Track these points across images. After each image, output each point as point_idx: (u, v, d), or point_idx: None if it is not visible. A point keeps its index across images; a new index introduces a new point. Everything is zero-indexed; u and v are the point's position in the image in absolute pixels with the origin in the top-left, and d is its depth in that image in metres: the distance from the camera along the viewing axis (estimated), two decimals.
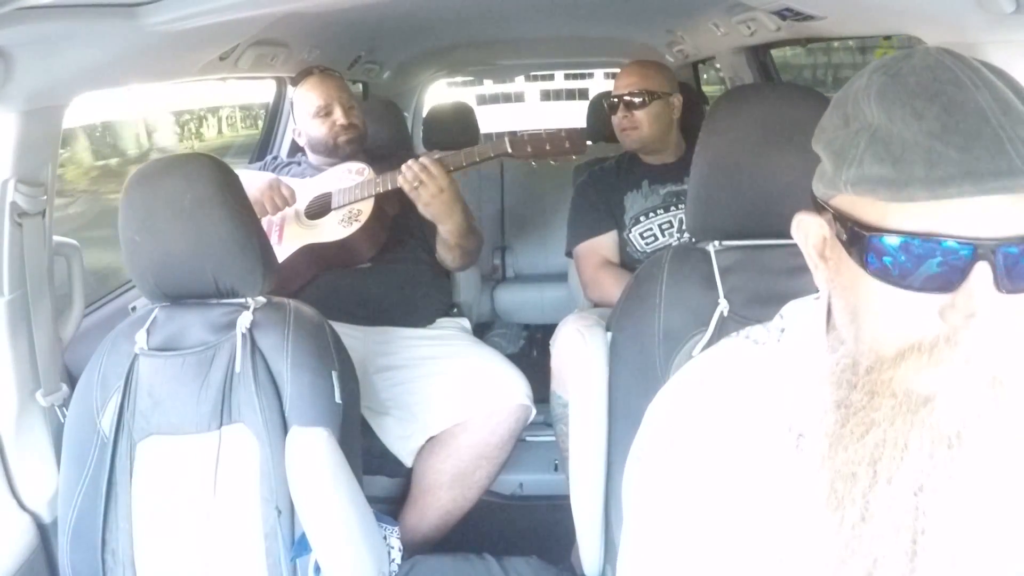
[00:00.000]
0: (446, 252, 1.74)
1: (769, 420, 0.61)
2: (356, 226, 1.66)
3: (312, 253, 1.70)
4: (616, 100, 1.83)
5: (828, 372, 0.56)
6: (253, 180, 1.67)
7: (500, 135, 1.63)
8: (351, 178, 1.75)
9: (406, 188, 1.56)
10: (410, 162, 1.56)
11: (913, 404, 0.49)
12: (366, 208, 1.67)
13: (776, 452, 0.60)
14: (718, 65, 2.49)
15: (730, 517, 0.61)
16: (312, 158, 1.90)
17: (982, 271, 0.46)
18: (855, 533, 0.53)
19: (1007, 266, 0.45)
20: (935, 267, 0.46)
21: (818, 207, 0.56)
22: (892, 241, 0.47)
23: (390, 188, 1.62)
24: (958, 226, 0.46)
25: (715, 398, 0.64)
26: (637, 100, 1.79)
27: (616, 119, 1.84)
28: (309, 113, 1.83)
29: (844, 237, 0.51)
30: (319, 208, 1.74)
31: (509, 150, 1.58)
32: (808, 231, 0.58)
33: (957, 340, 0.47)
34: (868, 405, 0.51)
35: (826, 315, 0.61)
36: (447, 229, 1.65)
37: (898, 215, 0.47)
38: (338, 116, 1.81)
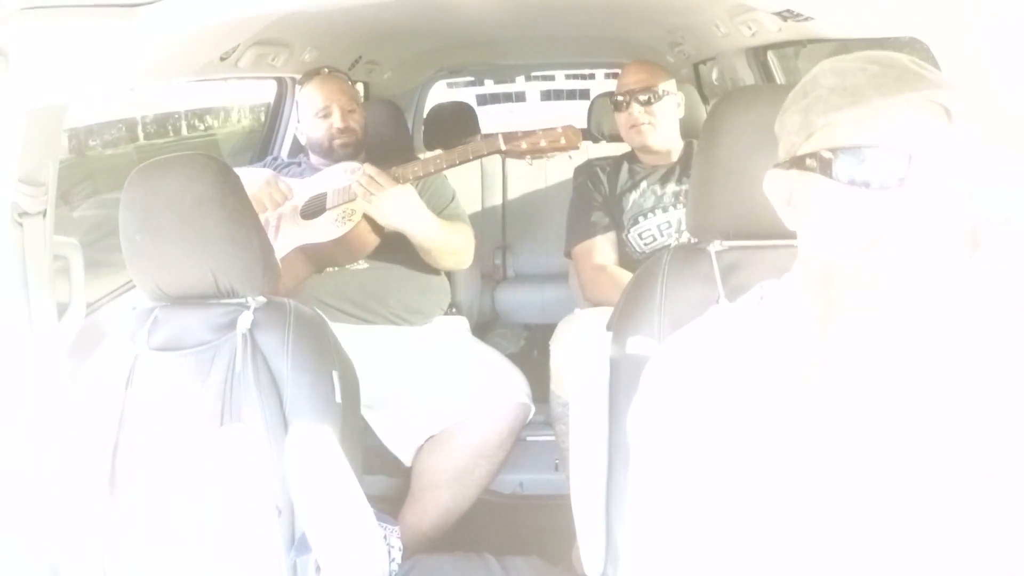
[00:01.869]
0: (424, 255, 1.75)
1: (752, 361, 0.74)
2: (349, 225, 1.66)
3: (307, 252, 1.70)
4: (624, 98, 1.82)
5: (803, 283, 0.72)
6: (251, 178, 1.67)
7: (496, 134, 1.63)
8: (346, 178, 1.75)
9: (360, 200, 1.61)
10: (361, 176, 1.60)
11: (877, 283, 0.64)
12: (360, 207, 1.67)
13: (761, 387, 0.72)
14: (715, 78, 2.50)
15: (726, 436, 0.72)
16: (312, 159, 1.90)
17: (916, 172, 0.61)
18: (846, 405, 0.67)
19: (933, 166, 0.62)
20: (884, 167, 0.63)
21: (785, 164, 0.73)
22: (854, 151, 0.64)
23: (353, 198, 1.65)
24: (900, 138, 0.63)
25: (709, 340, 0.78)
26: (647, 97, 1.79)
27: (624, 116, 1.84)
28: (310, 113, 1.85)
29: (816, 165, 0.67)
30: (314, 208, 1.74)
31: (503, 147, 1.58)
32: (777, 186, 0.75)
33: (901, 228, 0.62)
34: (845, 292, 0.67)
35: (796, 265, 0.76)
36: (411, 235, 1.68)
37: (857, 132, 0.64)
38: (335, 119, 1.82)
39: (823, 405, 0.68)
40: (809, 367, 0.69)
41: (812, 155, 0.68)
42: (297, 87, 2.08)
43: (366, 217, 1.67)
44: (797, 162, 0.71)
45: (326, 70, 1.90)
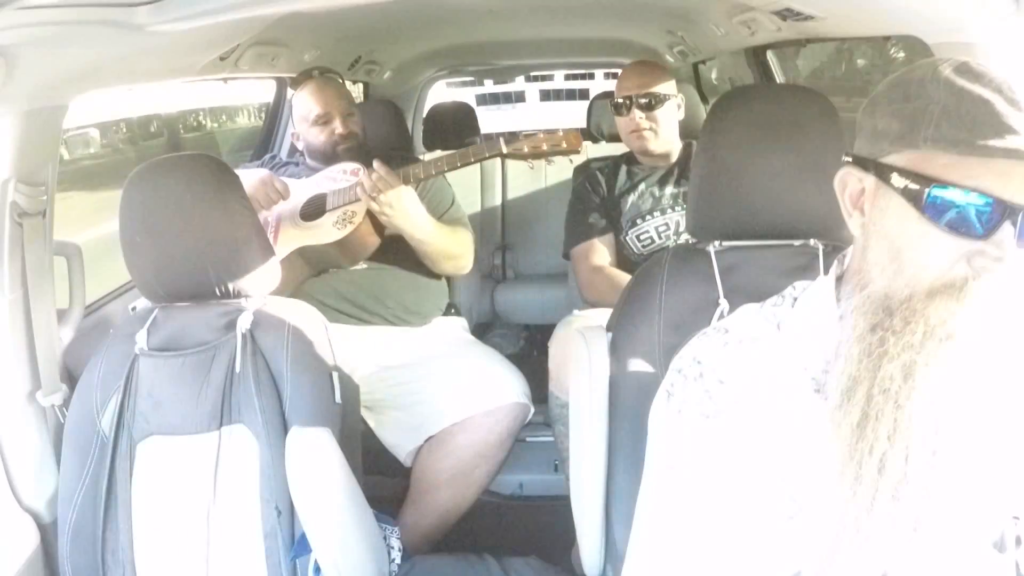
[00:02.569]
0: (423, 259, 1.74)
1: (788, 366, 0.71)
2: (350, 227, 1.66)
3: (307, 254, 1.70)
4: (626, 102, 1.81)
5: (857, 304, 0.67)
6: (247, 177, 1.67)
7: (497, 136, 1.63)
8: (345, 179, 1.74)
9: (364, 199, 1.59)
10: (370, 171, 1.58)
11: (940, 336, 0.60)
12: (360, 209, 1.67)
13: (794, 393, 0.70)
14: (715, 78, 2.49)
15: (752, 445, 0.70)
16: (310, 162, 1.89)
17: (1009, 227, 0.59)
18: (883, 449, 0.62)
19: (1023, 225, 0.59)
20: (975, 216, 0.59)
21: (864, 164, 0.68)
22: (953, 192, 0.60)
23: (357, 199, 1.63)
24: (1000, 188, 0.59)
25: (741, 343, 0.75)
26: (650, 101, 1.78)
27: (625, 121, 1.82)
28: (308, 120, 1.82)
29: (903, 187, 0.63)
30: (314, 210, 1.74)
31: (505, 150, 1.58)
32: (847, 183, 0.70)
33: (979, 281, 0.60)
34: (904, 330, 0.62)
35: (835, 272, 0.73)
36: (410, 236, 1.66)
37: (954, 171, 0.60)
38: (337, 125, 1.80)
39: (862, 444, 0.64)
40: (848, 394, 0.65)
41: (903, 173, 0.63)
42: (289, 91, 2.07)
43: (367, 219, 1.66)
44: (881, 171, 0.65)
45: (317, 72, 1.88)
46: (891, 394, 0.62)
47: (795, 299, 0.77)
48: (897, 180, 0.63)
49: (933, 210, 0.61)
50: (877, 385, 0.62)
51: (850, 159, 0.70)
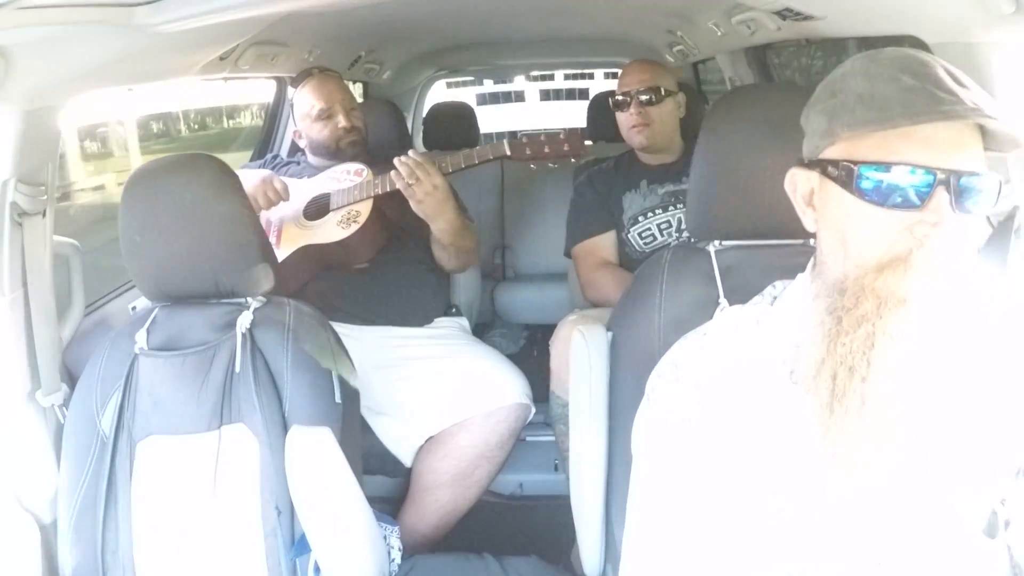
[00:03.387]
0: (441, 252, 1.73)
1: (766, 362, 0.73)
2: (355, 227, 1.65)
3: (311, 254, 1.70)
4: (626, 97, 1.81)
5: (816, 291, 0.70)
6: (247, 177, 1.67)
7: (499, 138, 1.63)
8: (349, 179, 1.74)
9: (400, 184, 1.55)
10: (405, 158, 1.55)
11: (893, 303, 0.62)
12: (364, 209, 1.66)
13: (772, 386, 0.71)
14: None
15: (733, 444, 0.71)
16: (312, 159, 1.89)
17: (942, 193, 0.61)
18: (853, 425, 0.64)
19: (959, 189, 0.61)
20: (908, 188, 0.62)
21: (807, 164, 0.71)
22: (876, 169, 0.63)
23: (388, 189, 1.62)
24: (925, 157, 0.61)
25: (718, 344, 0.77)
26: (649, 97, 1.79)
27: (625, 116, 1.83)
28: (310, 116, 1.82)
29: (837, 174, 0.66)
30: (317, 209, 1.74)
31: (508, 152, 1.58)
32: (797, 184, 0.73)
33: (924, 249, 0.61)
34: (855, 306, 0.64)
35: (810, 268, 0.75)
36: (439, 228, 1.64)
37: (881, 149, 0.63)
38: (340, 119, 1.80)
39: (834, 419, 0.66)
40: (820, 377, 0.67)
41: (835, 163, 0.67)
42: (290, 90, 2.07)
43: (370, 218, 1.66)
44: (820, 165, 0.69)
45: (317, 70, 1.88)
46: (856, 371, 0.63)
47: (775, 297, 0.79)
48: (832, 171, 0.67)
49: (867, 192, 0.64)
50: (841, 363, 0.64)
51: (799, 162, 0.73)
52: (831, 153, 0.68)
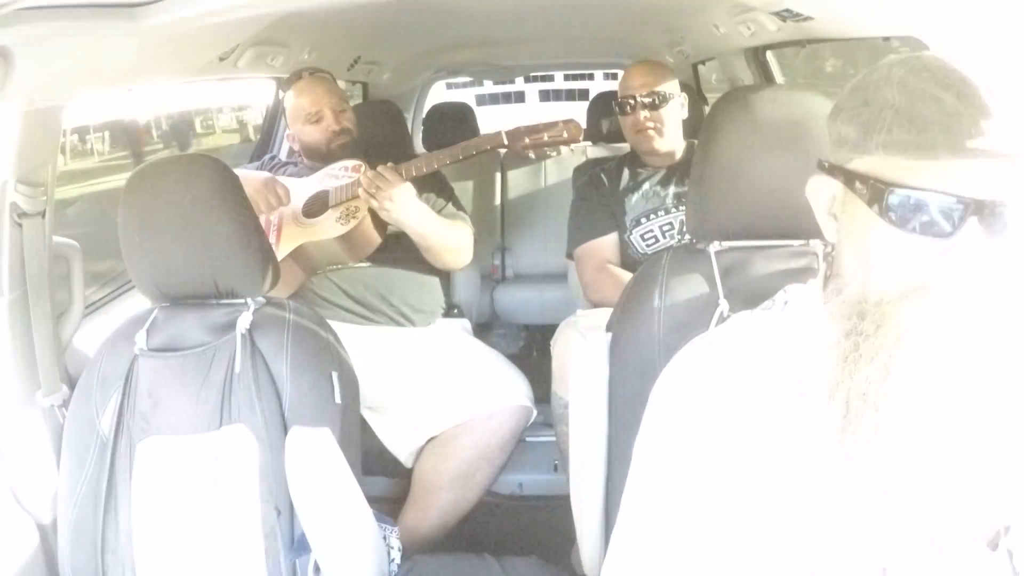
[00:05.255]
0: (424, 252, 1.75)
1: (775, 371, 0.70)
2: (353, 223, 1.66)
3: (311, 252, 1.70)
4: (630, 101, 1.81)
5: (833, 309, 0.67)
6: (247, 179, 1.67)
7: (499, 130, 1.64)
8: (347, 175, 1.75)
9: (364, 196, 1.61)
10: (369, 173, 1.61)
11: (913, 338, 0.59)
12: (363, 205, 1.67)
13: (780, 396, 0.69)
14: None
15: (739, 453, 0.69)
16: (307, 161, 1.90)
17: (974, 222, 0.58)
18: (867, 452, 0.62)
19: (992, 219, 0.58)
20: (939, 216, 0.59)
21: (832, 171, 0.68)
22: (907, 194, 0.60)
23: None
24: (960, 186, 0.58)
25: (727, 352, 0.74)
26: (653, 100, 1.79)
27: (629, 120, 1.83)
28: (300, 119, 1.83)
29: (864, 192, 0.63)
30: (316, 207, 1.74)
31: (505, 142, 1.58)
32: (820, 191, 0.70)
33: (951, 280, 0.59)
34: (876, 333, 0.61)
35: (823, 274, 0.73)
36: (411, 231, 1.68)
37: (914, 175, 0.60)
38: (329, 122, 1.81)
39: (843, 443, 0.64)
40: (832, 400, 0.65)
41: (863, 179, 0.63)
42: (280, 92, 2.07)
43: (370, 215, 1.67)
44: (846, 176, 0.66)
45: (307, 73, 1.89)
46: (869, 398, 0.61)
47: (785, 303, 0.77)
48: (859, 186, 0.64)
49: (895, 214, 0.61)
50: (854, 389, 0.62)
51: (822, 167, 0.70)
52: (859, 166, 0.65)
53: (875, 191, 0.62)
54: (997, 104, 0.59)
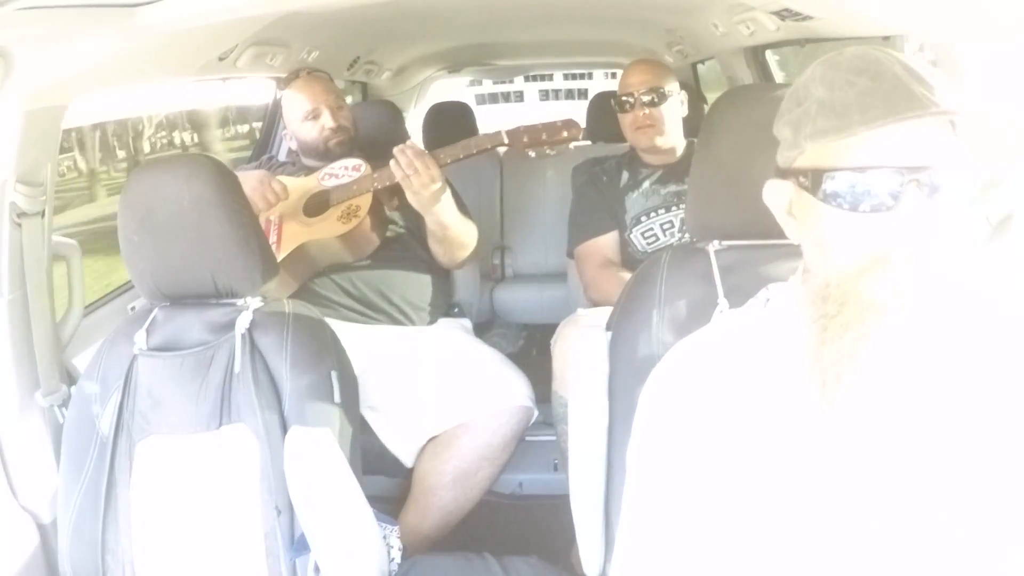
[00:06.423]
0: (436, 245, 1.73)
1: (758, 366, 0.72)
2: (356, 221, 1.66)
3: (312, 250, 1.70)
4: (629, 98, 1.81)
5: (802, 298, 0.70)
6: (245, 178, 1.67)
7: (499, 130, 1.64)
8: (348, 174, 1.75)
9: (398, 175, 1.55)
10: (404, 148, 1.55)
11: (875, 309, 0.62)
12: (364, 204, 1.67)
13: (766, 391, 0.71)
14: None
15: (729, 449, 0.70)
16: (305, 160, 1.90)
17: (913, 190, 0.60)
18: (845, 431, 0.64)
19: (931, 185, 0.61)
20: (878, 190, 0.61)
21: (782, 174, 0.72)
22: (843, 175, 0.63)
23: (388, 183, 1.62)
24: (891, 158, 0.61)
25: (713, 349, 0.77)
26: (653, 98, 1.79)
27: (630, 117, 1.83)
28: (298, 117, 1.83)
29: (807, 184, 0.66)
30: (317, 205, 1.74)
31: (506, 141, 1.58)
32: (776, 195, 0.74)
33: (902, 249, 0.61)
34: (840, 312, 0.64)
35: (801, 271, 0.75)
36: (434, 220, 1.64)
37: (845, 156, 0.63)
38: (326, 120, 1.81)
39: (824, 424, 0.66)
40: (809, 384, 0.67)
41: (803, 172, 0.67)
42: (277, 92, 2.07)
43: (371, 213, 1.66)
44: (792, 175, 0.69)
45: (304, 72, 1.88)
46: (841, 376, 0.63)
47: (767, 300, 0.79)
48: (803, 181, 0.67)
49: (837, 198, 0.63)
50: (828, 371, 0.64)
51: (777, 172, 0.73)
52: (801, 163, 0.68)
53: (815, 180, 0.65)
54: (912, 76, 0.62)
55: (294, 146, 1.90)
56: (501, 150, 2.00)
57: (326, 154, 1.82)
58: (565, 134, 1.58)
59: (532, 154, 1.62)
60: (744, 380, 0.72)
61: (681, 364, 0.78)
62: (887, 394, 0.63)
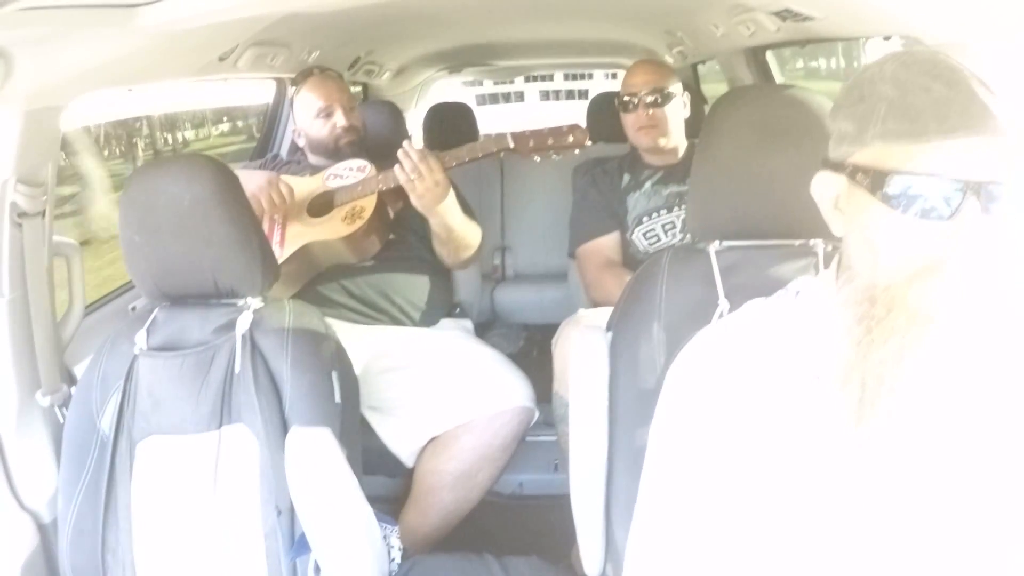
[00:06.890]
0: (440, 247, 1.73)
1: (789, 357, 0.72)
2: (360, 223, 1.66)
3: (315, 251, 1.70)
4: (632, 99, 1.82)
5: (845, 297, 0.69)
6: (251, 178, 1.67)
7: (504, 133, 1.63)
8: (353, 175, 1.75)
9: (402, 178, 1.55)
10: (409, 150, 1.55)
11: (923, 318, 0.62)
12: (368, 205, 1.67)
13: (796, 383, 0.71)
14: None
15: (754, 439, 0.70)
16: (312, 158, 1.89)
17: (972, 202, 0.60)
18: (882, 435, 0.64)
19: (989, 198, 0.61)
20: (937, 199, 0.61)
21: (835, 167, 0.71)
22: (907, 179, 0.63)
23: (392, 185, 1.62)
24: (956, 168, 0.61)
25: (740, 340, 0.76)
26: (655, 99, 1.79)
27: (633, 118, 1.83)
28: (310, 115, 1.83)
29: (866, 182, 0.65)
30: (321, 206, 1.74)
31: (511, 145, 1.58)
32: (824, 187, 0.72)
33: (954, 259, 0.61)
34: (887, 317, 0.64)
35: (836, 266, 0.75)
36: (439, 222, 1.64)
37: (913, 161, 0.62)
38: (339, 118, 1.81)
39: (859, 427, 0.66)
40: (846, 384, 0.67)
41: (864, 170, 0.66)
42: (290, 90, 2.07)
43: (375, 215, 1.66)
44: (848, 170, 0.68)
45: (318, 70, 1.89)
46: (885, 380, 0.63)
47: (797, 292, 0.78)
48: (861, 178, 0.67)
49: (896, 201, 0.63)
50: (870, 373, 0.64)
51: (827, 163, 0.73)
52: (860, 159, 0.67)
53: (876, 180, 0.64)
54: (986, 90, 0.62)
55: (302, 143, 1.90)
56: None
57: (336, 153, 1.82)
58: (571, 139, 1.58)
59: (537, 159, 1.61)
60: (773, 372, 0.72)
61: (710, 349, 0.78)
62: (925, 403, 0.63)
